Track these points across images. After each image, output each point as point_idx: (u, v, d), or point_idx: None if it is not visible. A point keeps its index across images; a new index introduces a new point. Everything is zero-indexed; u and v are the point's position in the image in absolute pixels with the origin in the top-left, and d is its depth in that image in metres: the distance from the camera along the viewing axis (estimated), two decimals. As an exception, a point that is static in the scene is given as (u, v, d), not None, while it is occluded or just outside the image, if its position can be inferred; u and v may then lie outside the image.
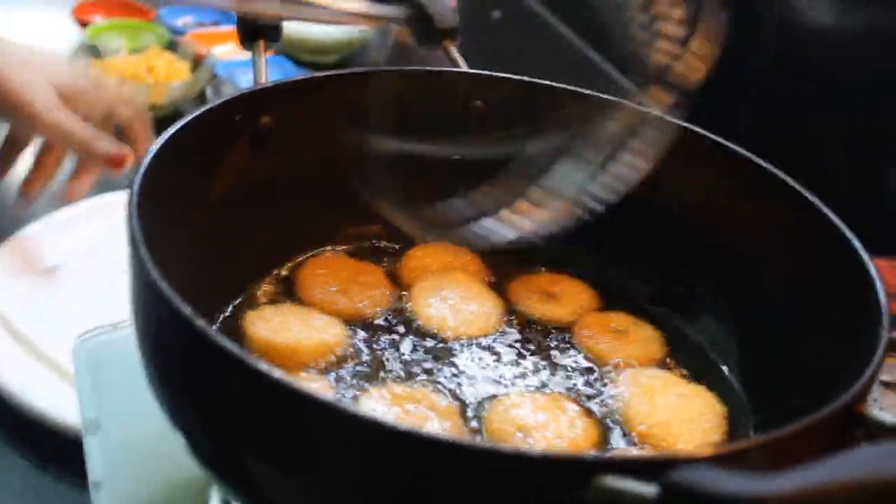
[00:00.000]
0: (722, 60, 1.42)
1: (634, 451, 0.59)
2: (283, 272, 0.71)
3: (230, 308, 0.68)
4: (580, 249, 0.73)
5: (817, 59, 1.22)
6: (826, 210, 0.64)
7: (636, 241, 0.74)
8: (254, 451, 0.50)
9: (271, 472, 0.49)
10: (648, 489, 0.42)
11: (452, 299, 0.70)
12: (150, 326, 0.54)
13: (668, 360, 0.70)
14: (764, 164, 0.68)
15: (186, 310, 0.48)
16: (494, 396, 0.64)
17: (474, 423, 0.61)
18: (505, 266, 0.75)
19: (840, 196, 1.19)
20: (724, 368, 0.70)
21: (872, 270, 0.58)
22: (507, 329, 0.70)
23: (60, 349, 0.83)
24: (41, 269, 1.01)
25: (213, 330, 0.48)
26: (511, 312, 0.71)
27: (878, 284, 0.57)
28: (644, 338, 0.71)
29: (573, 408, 0.63)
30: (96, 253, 1.04)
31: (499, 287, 0.73)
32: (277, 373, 0.45)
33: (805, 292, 0.65)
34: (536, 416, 0.62)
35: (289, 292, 0.70)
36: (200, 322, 0.48)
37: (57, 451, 0.83)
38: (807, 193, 0.66)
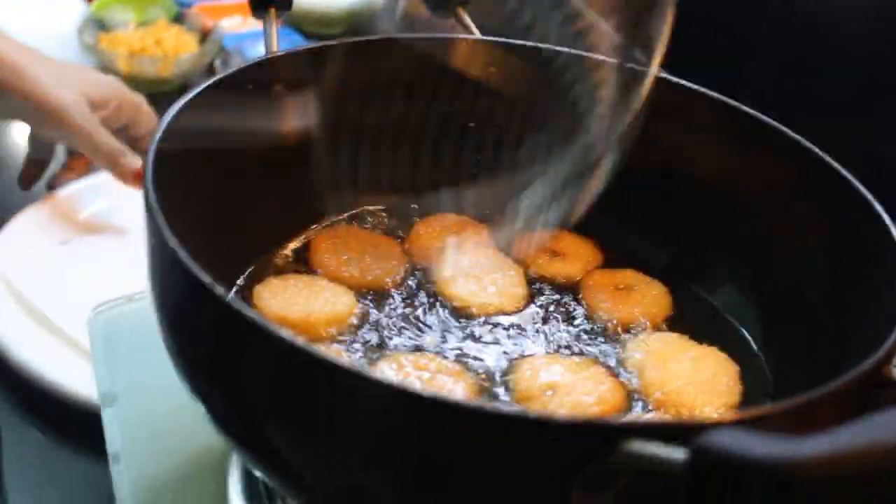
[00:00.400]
0: (729, 23, 1.41)
1: (660, 417, 0.59)
2: (296, 243, 0.70)
3: (242, 279, 0.67)
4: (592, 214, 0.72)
5: (823, 22, 1.21)
6: (845, 173, 0.63)
7: (650, 206, 0.73)
8: (274, 417, 0.49)
9: (291, 439, 0.49)
10: (677, 454, 0.41)
11: (475, 273, 0.69)
12: (169, 296, 0.53)
13: (679, 319, 0.70)
14: (781, 127, 0.67)
15: (206, 278, 0.48)
16: (518, 359, 0.63)
17: (499, 390, 0.61)
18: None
19: (846, 161, 1.19)
20: (744, 331, 0.70)
21: (894, 233, 0.57)
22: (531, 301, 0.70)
23: (74, 322, 0.83)
24: (55, 243, 1.01)
25: (232, 298, 0.47)
26: (532, 281, 0.71)
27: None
28: (653, 295, 0.71)
29: (599, 370, 0.63)
30: (109, 226, 1.04)
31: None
32: (299, 339, 0.45)
33: (826, 257, 0.64)
34: (563, 376, 0.62)
35: (301, 262, 0.69)
36: (220, 290, 0.47)
37: (71, 423, 0.83)
38: (826, 157, 0.65)
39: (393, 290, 0.68)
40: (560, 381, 0.61)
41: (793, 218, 0.67)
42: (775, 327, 0.68)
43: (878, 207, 0.60)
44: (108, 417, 0.69)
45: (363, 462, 0.47)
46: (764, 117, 0.68)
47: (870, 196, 0.62)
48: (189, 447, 0.67)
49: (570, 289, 0.71)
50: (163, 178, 0.55)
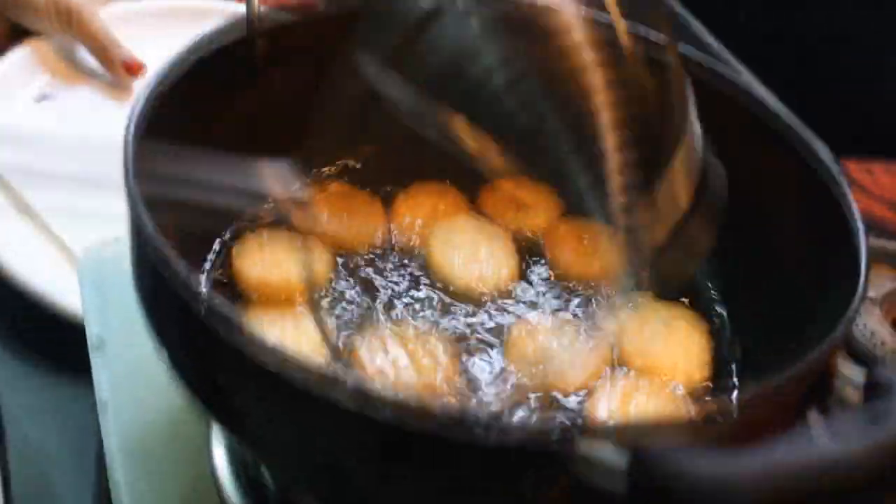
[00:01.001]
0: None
1: (612, 420, 0.61)
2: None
3: (228, 233, 0.69)
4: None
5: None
6: (807, 139, 0.64)
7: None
8: (240, 398, 0.52)
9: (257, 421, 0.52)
10: (619, 459, 0.44)
11: (465, 249, 0.71)
12: (146, 278, 0.56)
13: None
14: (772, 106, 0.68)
15: (181, 267, 0.50)
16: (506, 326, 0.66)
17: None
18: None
19: (842, 90, 1.19)
20: (709, 286, 0.72)
21: (856, 222, 0.59)
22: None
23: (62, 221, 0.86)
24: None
25: (207, 292, 0.50)
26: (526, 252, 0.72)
27: (861, 240, 0.57)
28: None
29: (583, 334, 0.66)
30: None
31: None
32: (270, 355, 0.47)
33: (786, 224, 0.66)
34: (552, 342, 0.65)
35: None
36: (193, 281, 0.49)
37: (64, 346, 0.83)
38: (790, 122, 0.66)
39: (374, 251, 0.70)
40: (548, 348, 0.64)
41: (757, 185, 0.68)
42: (737, 288, 0.70)
43: (845, 191, 0.61)
44: (96, 364, 0.71)
45: (327, 460, 0.50)
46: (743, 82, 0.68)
47: (834, 169, 0.63)
48: (177, 394, 0.70)
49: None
50: (146, 143, 0.57)
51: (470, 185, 0.75)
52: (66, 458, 0.78)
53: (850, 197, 0.62)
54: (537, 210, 0.75)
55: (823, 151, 0.65)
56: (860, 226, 0.59)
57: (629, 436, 0.45)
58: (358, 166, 0.76)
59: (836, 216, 0.61)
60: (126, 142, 0.57)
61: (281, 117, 0.70)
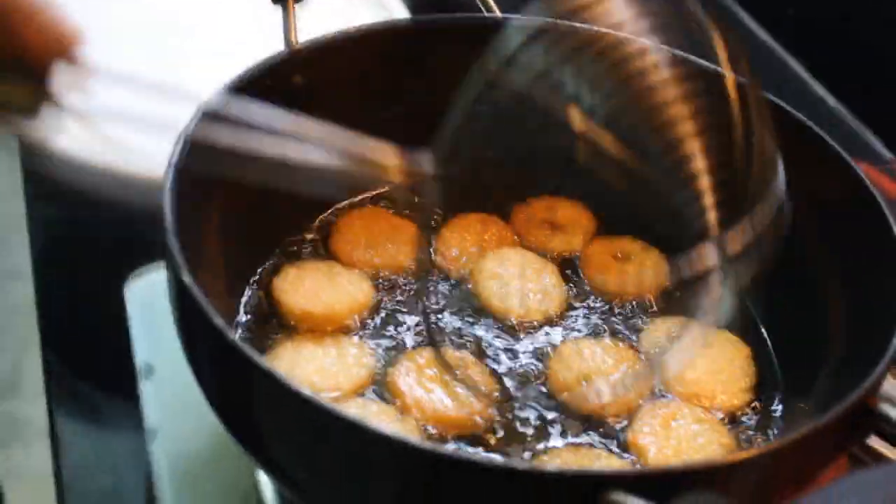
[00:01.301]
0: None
1: (640, 466, 0.61)
2: (317, 224, 0.73)
3: (270, 261, 0.70)
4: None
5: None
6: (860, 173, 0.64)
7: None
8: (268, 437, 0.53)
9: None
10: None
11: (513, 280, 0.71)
12: (185, 322, 0.56)
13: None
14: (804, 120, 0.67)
15: (219, 321, 0.51)
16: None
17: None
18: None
19: (887, 83, 1.16)
20: (750, 308, 0.71)
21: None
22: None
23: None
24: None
25: (243, 345, 0.50)
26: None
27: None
28: (652, 263, 0.73)
29: (628, 354, 0.67)
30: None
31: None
32: (304, 393, 0.48)
33: (836, 257, 0.65)
34: (597, 364, 0.65)
35: (319, 247, 0.72)
36: (230, 335, 0.50)
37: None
38: (827, 139, 0.65)
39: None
40: (592, 368, 0.65)
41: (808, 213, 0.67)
42: (780, 313, 0.69)
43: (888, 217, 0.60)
44: (146, 391, 0.73)
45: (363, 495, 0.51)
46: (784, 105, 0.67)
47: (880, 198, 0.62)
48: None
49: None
50: (184, 186, 0.58)
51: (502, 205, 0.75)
52: (115, 485, 0.79)
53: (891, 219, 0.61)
54: (574, 229, 0.75)
55: (857, 169, 0.64)
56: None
57: (661, 484, 0.45)
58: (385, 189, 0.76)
59: (881, 238, 0.61)
60: (166, 182, 0.58)
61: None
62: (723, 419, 0.65)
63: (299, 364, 0.63)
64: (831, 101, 1.22)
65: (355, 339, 0.66)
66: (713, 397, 0.65)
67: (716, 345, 0.68)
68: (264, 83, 0.66)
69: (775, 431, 0.64)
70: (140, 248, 0.80)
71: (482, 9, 0.72)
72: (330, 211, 0.74)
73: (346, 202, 0.75)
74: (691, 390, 0.65)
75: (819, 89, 1.24)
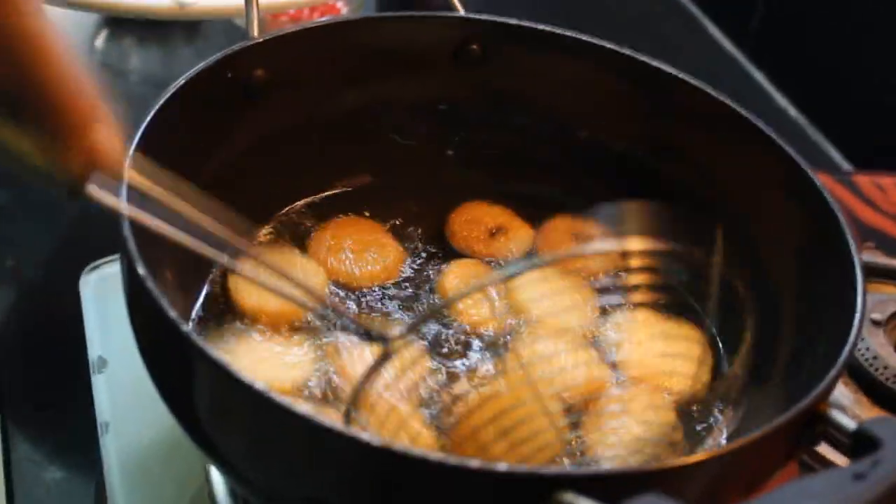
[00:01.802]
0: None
1: (594, 465, 0.61)
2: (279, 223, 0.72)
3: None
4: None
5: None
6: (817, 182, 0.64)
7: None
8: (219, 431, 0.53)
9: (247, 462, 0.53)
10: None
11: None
12: (138, 314, 0.56)
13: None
14: (760, 124, 0.67)
15: (172, 313, 0.50)
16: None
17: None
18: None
19: (849, 96, 1.18)
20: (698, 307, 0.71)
21: (856, 262, 0.58)
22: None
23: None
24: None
25: (195, 336, 0.50)
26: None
27: (859, 282, 0.57)
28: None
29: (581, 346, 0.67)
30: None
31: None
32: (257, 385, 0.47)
33: (789, 259, 0.66)
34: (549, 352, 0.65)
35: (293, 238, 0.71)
36: (185, 327, 0.50)
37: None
38: (789, 149, 0.66)
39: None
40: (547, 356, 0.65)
41: (764, 217, 0.68)
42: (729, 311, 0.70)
43: (844, 227, 0.61)
44: (97, 385, 0.72)
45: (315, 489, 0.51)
46: (747, 114, 0.68)
47: (834, 204, 0.63)
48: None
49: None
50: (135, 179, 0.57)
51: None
52: (66, 479, 0.78)
53: (844, 222, 0.61)
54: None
55: (805, 165, 0.64)
56: (854, 254, 0.59)
57: (615, 485, 0.45)
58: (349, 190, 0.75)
59: (836, 245, 0.61)
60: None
61: (282, 142, 0.70)
62: (676, 406, 0.64)
63: (252, 359, 0.62)
64: (793, 111, 1.23)
65: (306, 336, 0.66)
66: (668, 383, 0.65)
67: (673, 334, 0.68)
68: (225, 76, 0.65)
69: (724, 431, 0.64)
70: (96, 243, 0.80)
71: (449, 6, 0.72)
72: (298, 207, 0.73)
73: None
74: (644, 373, 0.66)
75: (781, 100, 1.25)
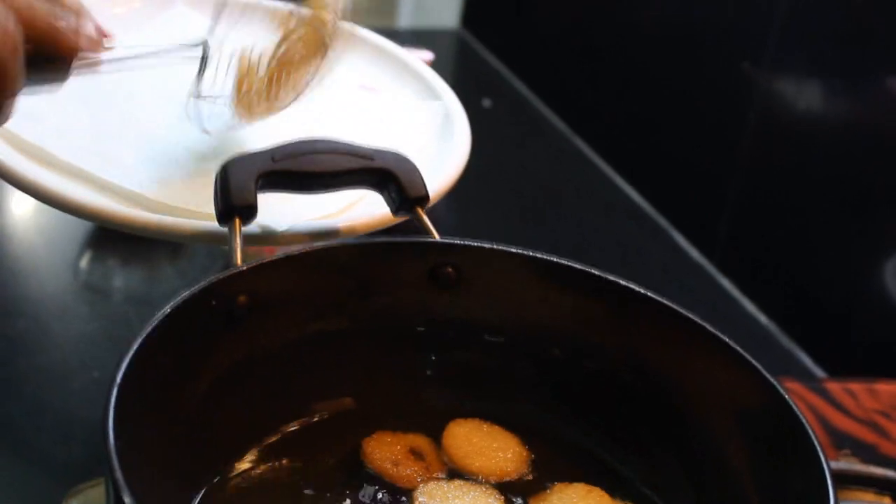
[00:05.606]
0: (701, 157, 1.45)
1: None
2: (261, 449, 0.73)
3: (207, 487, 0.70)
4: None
5: (797, 156, 1.24)
6: (788, 399, 0.66)
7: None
8: None
9: None
10: None
11: None
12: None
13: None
14: (716, 332, 0.69)
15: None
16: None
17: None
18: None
19: (825, 293, 1.21)
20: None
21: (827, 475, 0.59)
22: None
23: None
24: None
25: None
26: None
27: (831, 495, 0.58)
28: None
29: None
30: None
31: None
32: None
33: (760, 469, 0.67)
34: None
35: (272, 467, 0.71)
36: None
37: None
38: (756, 364, 0.67)
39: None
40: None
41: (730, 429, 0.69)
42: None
43: (813, 438, 0.62)
44: None
45: None
46: (705, 325, 0.70)
47: (804, 419, 0.64)
48: None
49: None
50: (126, 408, 0.58)
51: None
52: None
53: (812, 433, 0.63)
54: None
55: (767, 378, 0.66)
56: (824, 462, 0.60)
57: None
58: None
59: (802, 452, 0.62)
60: (108, 399, 0.58)
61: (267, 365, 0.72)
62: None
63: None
64: (763, 318, 1.26)
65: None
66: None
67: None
68: (209, 303, 0.67)
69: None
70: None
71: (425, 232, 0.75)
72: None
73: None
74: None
75: (751, 307, 1.28)
